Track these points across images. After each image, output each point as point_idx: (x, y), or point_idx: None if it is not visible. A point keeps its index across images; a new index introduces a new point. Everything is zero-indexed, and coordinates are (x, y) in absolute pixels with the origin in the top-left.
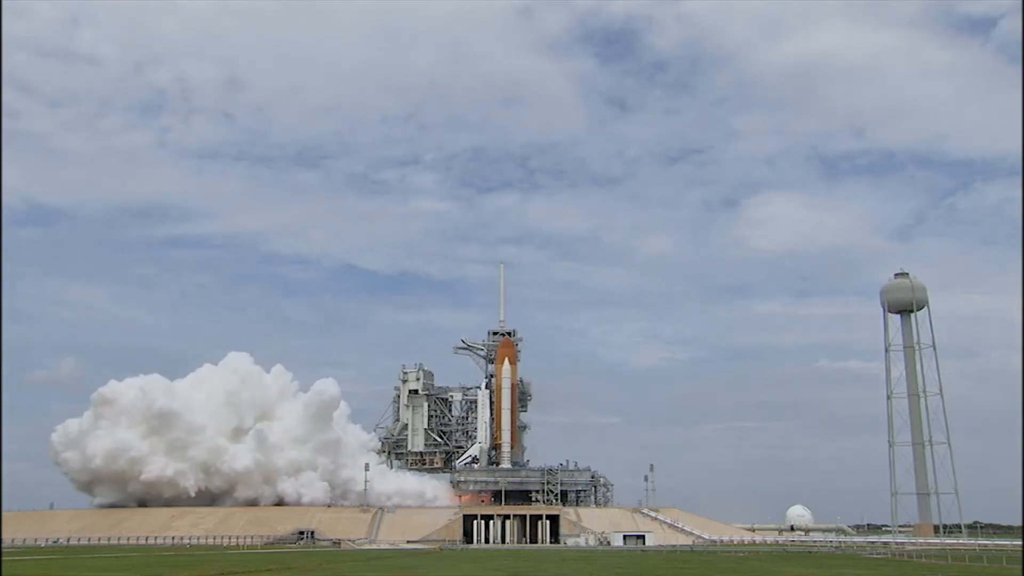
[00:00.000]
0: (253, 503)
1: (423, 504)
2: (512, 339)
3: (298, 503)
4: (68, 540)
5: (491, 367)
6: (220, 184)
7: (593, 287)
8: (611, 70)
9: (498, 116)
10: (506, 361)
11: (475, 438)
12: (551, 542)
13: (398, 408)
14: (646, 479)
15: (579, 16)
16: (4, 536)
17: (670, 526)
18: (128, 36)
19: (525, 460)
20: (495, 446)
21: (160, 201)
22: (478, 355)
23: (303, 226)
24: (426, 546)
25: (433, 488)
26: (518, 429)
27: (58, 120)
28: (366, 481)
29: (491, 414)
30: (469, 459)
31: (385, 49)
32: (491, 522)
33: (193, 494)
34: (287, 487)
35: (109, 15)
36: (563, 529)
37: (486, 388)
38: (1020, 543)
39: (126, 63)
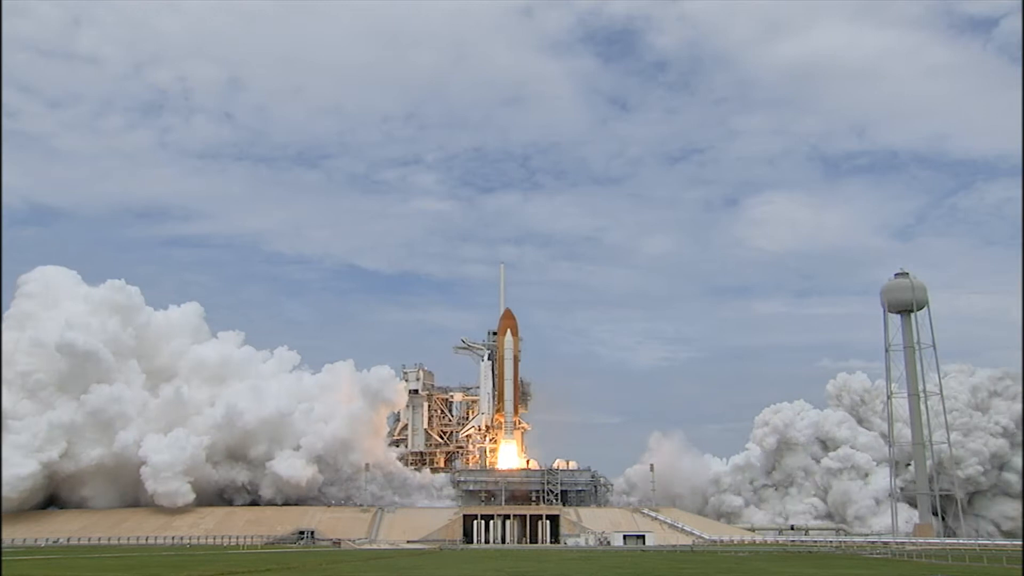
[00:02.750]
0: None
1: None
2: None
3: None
4: (68, 540)
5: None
6: (221, 184)
7: (594, 287)
8: (612, 70)
9: (499, 116)
10: (508, 332)
11: (476, 438)
12: (551, 542)
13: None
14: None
15: (580, 16)
16: (4, 536)
17: (670, 526)
18: (129, 36)
19: (525, 460)
20: (497, 420)
21: (161, 201)
22: (478, 355)
23: (304, 226)
24: (426, 546)
25: None
26: (520, 399)
27: (58, 120)
28: (366, 481)
29: (493, 385)
30: (473, 428)
31: (386, 49)
32: (491, 522)
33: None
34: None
35: (110, 15)
36: (563, 529)
37: (488, 359)
38: (1020, 543)
39: (127, 63)
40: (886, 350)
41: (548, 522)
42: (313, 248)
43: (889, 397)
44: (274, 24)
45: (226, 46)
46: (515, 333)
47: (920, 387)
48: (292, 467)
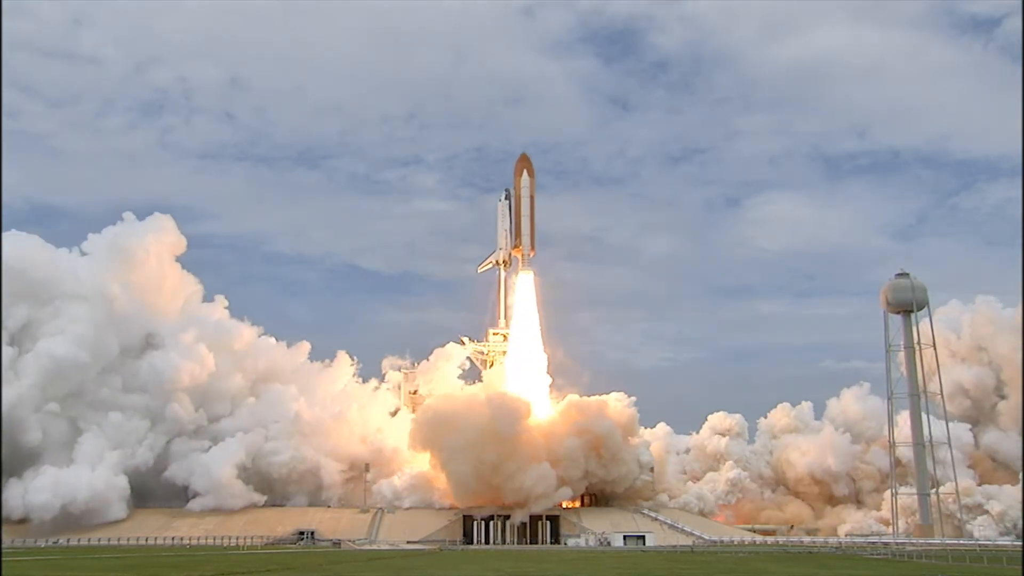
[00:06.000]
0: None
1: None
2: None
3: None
4: (68, 540)
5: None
6: (222, 184)
7: (595, 287)
8: (613, 70)
9: (500, 116)
10: (524, 173)
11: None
12: (551, 543)
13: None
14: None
15: (581, 16)
16: (4, 536)
17: (670, 527)
18: (129, 36)
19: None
20: (515, 254)
21: (162, 201)
22: (479, 354)
23: (305, 226)
24: (426, 547)
25: None
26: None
27: (58, 120)
28: (365, 481)
29: (511, 220)
30: (489, 266)
31: (386, 49)
32: (491, 523)
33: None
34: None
35: (110, 15)
36: (563, 530)
37: (505, 199)
38: (1020, 543)
39: (127, 63)
40: (887, 350)
41: (548, 523)
42: (313, 248)
43: (889, 398)
44: (274, 24)
45: (226, 46)
46: (531, 174)
47: (920, 387)
48: (330, 473)
